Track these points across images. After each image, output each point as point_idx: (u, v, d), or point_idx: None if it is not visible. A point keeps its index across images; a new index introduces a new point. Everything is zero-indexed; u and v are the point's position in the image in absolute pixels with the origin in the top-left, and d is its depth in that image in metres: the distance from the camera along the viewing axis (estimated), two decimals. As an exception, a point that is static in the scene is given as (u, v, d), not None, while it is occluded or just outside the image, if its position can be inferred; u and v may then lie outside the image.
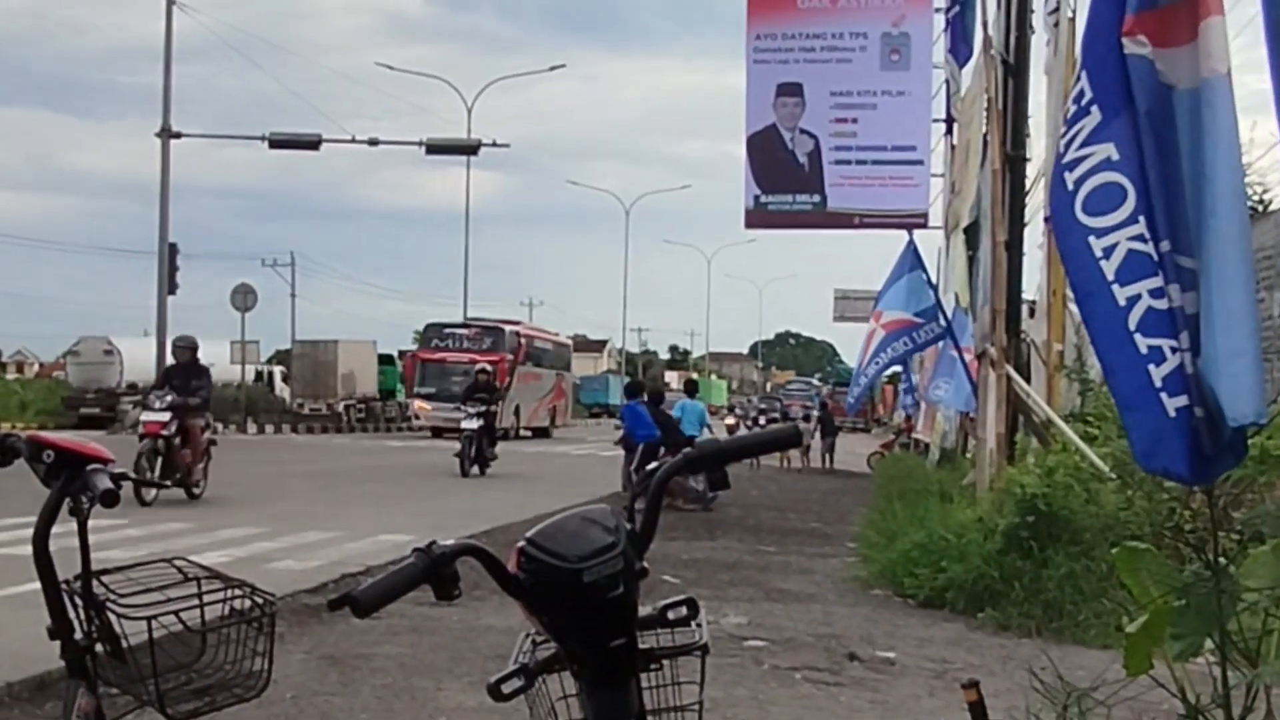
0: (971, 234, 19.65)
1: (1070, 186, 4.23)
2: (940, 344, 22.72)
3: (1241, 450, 4.17)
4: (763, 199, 29.60)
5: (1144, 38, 4.08)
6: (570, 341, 71.58)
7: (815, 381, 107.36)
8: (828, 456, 40.96)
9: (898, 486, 21.52)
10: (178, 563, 4.01)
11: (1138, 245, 4.09)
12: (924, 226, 28.36)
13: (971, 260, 19.86)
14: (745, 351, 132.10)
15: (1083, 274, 4.25)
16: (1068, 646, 10.20)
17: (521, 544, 2.53)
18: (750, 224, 30.67)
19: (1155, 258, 4.06)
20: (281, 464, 29.62)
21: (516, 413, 52.37)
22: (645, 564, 2.61)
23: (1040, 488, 12.08)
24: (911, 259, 21.61)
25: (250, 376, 54.28)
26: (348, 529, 16.59)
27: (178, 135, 44.09)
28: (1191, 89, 4.05)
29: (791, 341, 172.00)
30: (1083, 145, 4.23)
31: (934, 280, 22.77)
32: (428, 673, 8.87)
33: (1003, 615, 11.52)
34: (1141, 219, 4.08)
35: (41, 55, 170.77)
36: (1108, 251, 4.15)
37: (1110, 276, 4.13)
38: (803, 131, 29.34)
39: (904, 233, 24.69)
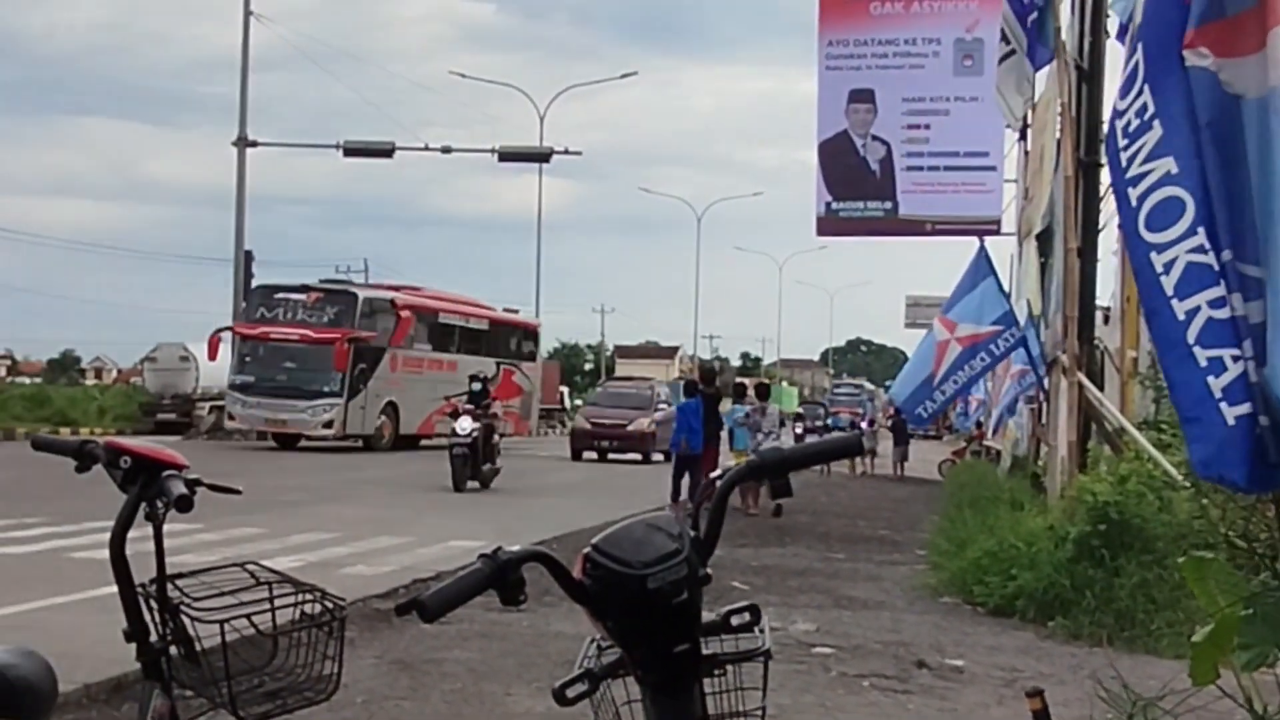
0: (1044, 241, 19.51)
1: (1134, 203, 4.24)
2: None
3: (1309, 460, 4.14)
4: (834, 205, 29.59)
5: (1205, 50, 4.07)
6: (536, 322, 53.12)
7: (868, 385, 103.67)
8: (900, 465, 40.50)
9: (969, 494, 21.40)
10: (250, 567, 4.08)
11: (1197, 257, 4.08)
12: (996, 233, 28.22)
13: (1044, 267, 19.72)
14: (816, 359, 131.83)
15: (1147, 290, 4.26)
16: (1140, 656, 10.13)
17: (587, 550, 2.55)
18: (821, 230, 30.67)
19: (1216, 267, 4.05)
20: (354, 470, 29.81)
21: (393, 414, 39.21)
22: (709, 570, 2.63)
23: (1112, 496, 11.99)
24: (984, 267, 21.48)
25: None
26: (419, 535, 16.70)
27: (254, 144, 44.59)
28: (1260, 98, 4.03)
29: (863, 349, 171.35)
30: (1146, 160, 4.23)
31: (1006, 288, 22.61)
32: (497, 678, 8.93)
33: (1073, 624, 11.45)
34: (1201, 230, 4.07)
35: (123, 66, 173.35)
36: (1167, 267, 4.15)
37: (1170, 291, 4.13)
38: (874, 138, 29.32)
39: (975, 239, 24.58)
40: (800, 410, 57.91)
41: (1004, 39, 17.70)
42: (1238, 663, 4.01)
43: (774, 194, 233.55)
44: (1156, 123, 4.24)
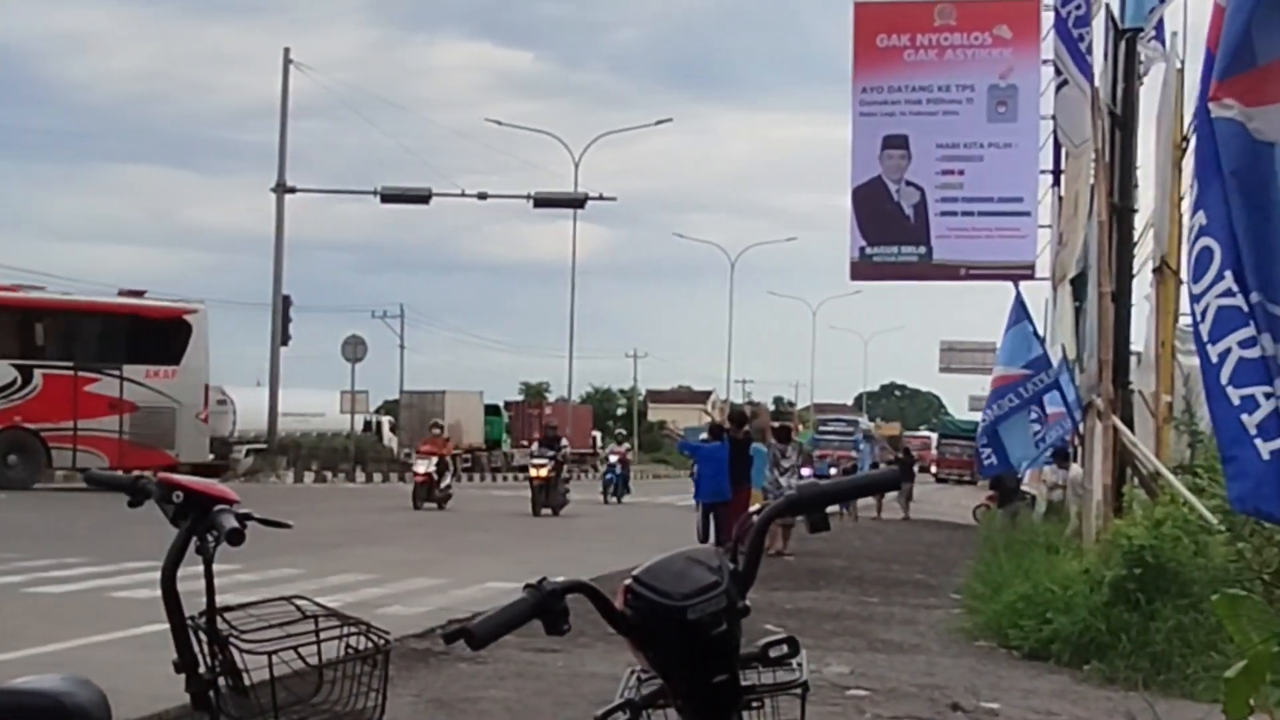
0: (1078, 285, 19.53)
1: (1188, 255, 4.36)
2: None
3: (1341, 496, 4.20)
4: (868, 250, 29.62)
5: (1231, 101, 4.16)
6: (180, 308, 37.09)
7: (863, 422, 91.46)
8: (905, 504, 39.64)
9: (1003, 538, 21.35)
10: (297, 601, 4.17)
11: (1226, 300, 4.17)
12: (1031, 278, 28.15)
13: (1078, 311, 19.73)
14: (850, 403, 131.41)
15: (1196, 338, 4.36)
16: (1175, 700, 10.11)
17: (629, 582, 2.62)
18: (856, 276, 30.68)
19: (1245, 309, 4.14)
20: (390, 512, 29.92)
21: None
22: (747, 603, 2.69)
23: (1148, 539, 11.98)
24: (1019, 311, 21.48)
25: (359, 426, 54.88)
26: (454, 576, 16.78)
27: (292, 190, 44.97)
28: None
29: (896, 393, 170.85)
30: (1191, 215, 4.35)
31: (1040, 332, 22.58)
32: (533, 717, 8.98)
33: (1109, 668, 11.43)
34: (1228, 273, 4.16)
35: (164, 114, 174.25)
36: (1202, 314, 4.25)
37: (1205, 337, 4.23)
38: (908, 183, 29.36)
39: (1010, 284, 24.57)
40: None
41: (1057, 71, 17.74)
42: (1271, 700, 4.05)
43: (807, 239, 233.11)
44: (1195, 179, 4.35)
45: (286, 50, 44.68)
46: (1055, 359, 21.00)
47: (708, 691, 2.62)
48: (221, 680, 4.00)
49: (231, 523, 3.89)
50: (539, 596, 2.60)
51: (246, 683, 3.99)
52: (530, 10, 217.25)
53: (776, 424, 26.40)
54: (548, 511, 31.05)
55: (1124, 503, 15.57)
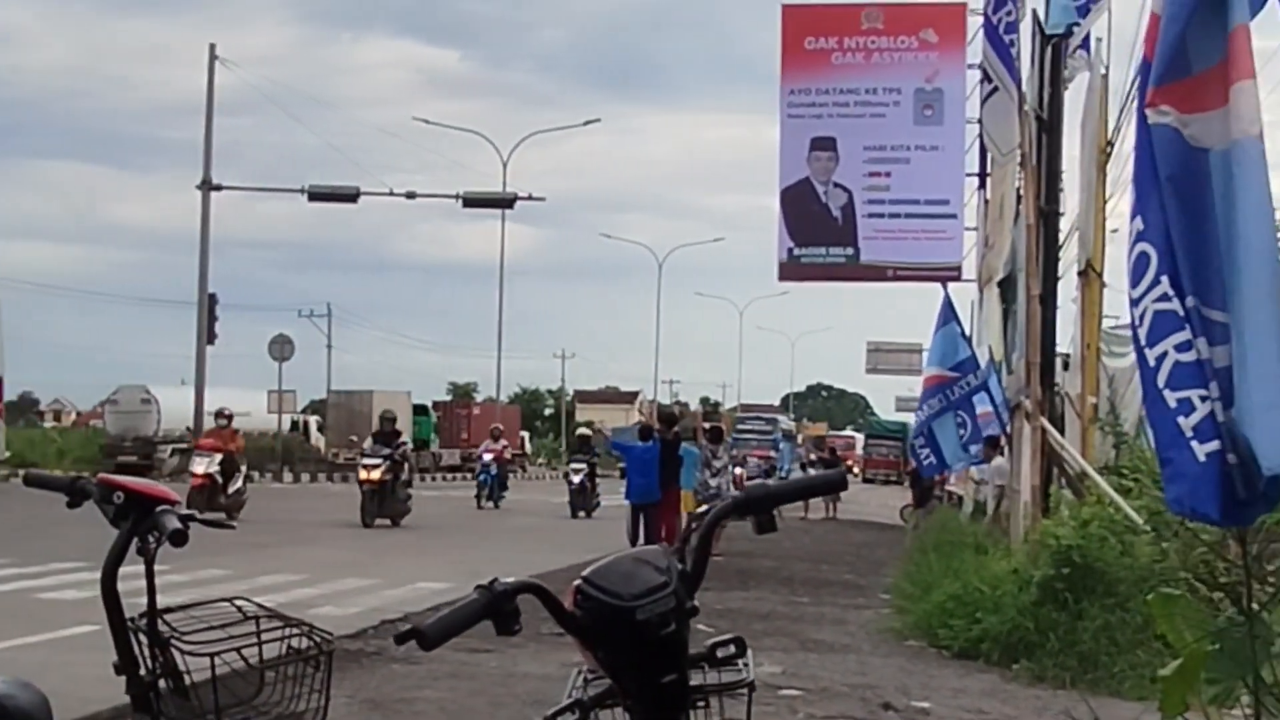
0: (1006, 288, 19.73)
1: (1127, 260, 4.42)
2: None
3: (1276, 497, 4.28)
4: (796, 252, 29.71)
5: (1168, 107, 4.24)
6: None
7: (784, 420, 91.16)
8: (831, 505, 39.63)
9: (932, 539, 21.51)
10: (238, 602, 4.15)
11: (1162, 305, 4.24)
12: (957, 279, 28.39)
13: (1006, 313, 19.93)
14: (777, 403, 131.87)
15: (1134, 342, 4.42)
16: (1103, 698, 10.22)
17: (578, 583, 2.63)
18: (784, 277, 30.78)
19: (1181, 313, 4.21)
20: (318, 512, 29.75)
21: None
22: (696, 603, 2.72)
23: (1075, 539, 12.11)
24: (946, 312, 21.68)
25: (286, 426, 54.53)
26: (385, 577, 16.73)
27: (218, 188, 44.55)
28: (1224, 150, 4.20)
29: (823, 394, 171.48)
30: (1129, 220, 4.42)
31: (968, 333, 22.78)
32: (468, 717, 8.97)
33: (1038, 667, 11.54)
34: (1164, 279, 4.24)
35: (86, 109, 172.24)
36: (1140, 318, 4.32)
37: (1142, 341, 4.30)
38: (836, 185, 29.46)
39: (938, 285, 24.79)
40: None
41: (986, 78, 17.86)
42: (1205, 698, 4.12)
43: (735, 240, 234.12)
44: (1133, 184, 4.42)
45: (212, 46, 44.22)
46: (983, 360, 21.21)
47: (656, 691, 2.63)
48: (162, 682, 3.98)
49: (174, 524, 3.87)
50: (490, 597, 2.61)
51: (188, 684, 3.97)
52: (457, 9, 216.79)
53: (708, 425, 26.46)
54: (384, 522, 25.94)
55: (1051, 503, 15.72)
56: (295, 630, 4.14)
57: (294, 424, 59.06)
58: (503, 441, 39.64)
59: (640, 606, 2.58)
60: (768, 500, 2.89)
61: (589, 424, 58.36)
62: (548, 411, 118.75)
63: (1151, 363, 4.26)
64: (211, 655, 3.89)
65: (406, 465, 28.47)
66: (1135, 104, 4.65)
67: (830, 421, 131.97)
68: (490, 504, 35.96)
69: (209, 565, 16.16)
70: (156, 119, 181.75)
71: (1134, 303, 4.37)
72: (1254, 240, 4.11)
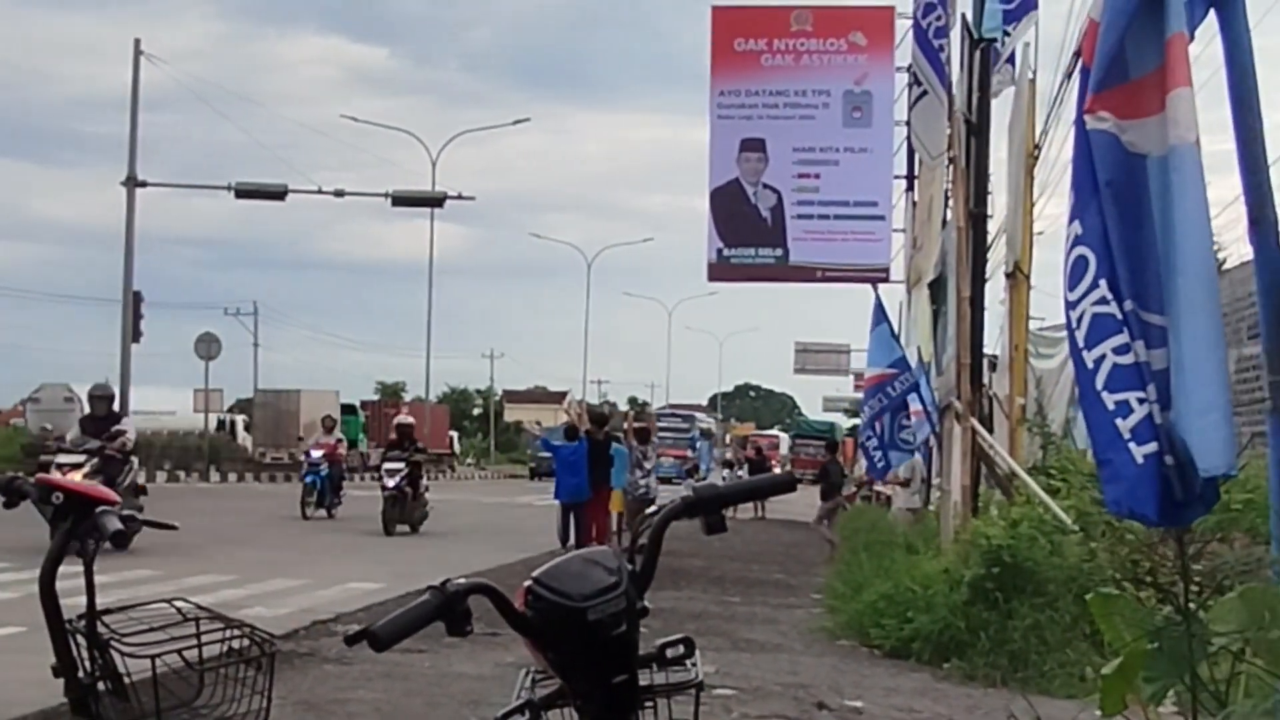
0: (936, 289, 19.88)
1: (1064, 264, 4.47)
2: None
3: (1212, 499, 4.35)
4: (725, 252, 29.78)
5: (1106, 113, 4.29)
6: None
7: (701, 419, 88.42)
8: (760, 505, 39.42)
9: (862, 538, 21.64)
10: (177, 603, 4.12)
11: (1100, 308, 4.29)
12: (886, 281, 28.59)
13: (936, 315, 20.08)
14: (705, 403, 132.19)
15: (1071, 345, 4.47)
16: (1033, 696, 10.28)
17: (528, 583, 2.64)
18: (713, 277, 30.84)
19: (1119, 316, 4.26)
20: (245, 512, 29.54)
21: None
22: (646, 604, 2.73)
23: (1005, 539, 12.20)
24: (877, 313, 21.83)
25: (213, 425, 54.11)
26: (314, 577, 16.62)
27: (143, 184, 44.00)
28: (1161, 156, 4.25)
29: (751, 394, 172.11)
30: (1068, 224, 4.46)
31: (897, 334, 22.96)
32: (402, 717, 8.94)
33: (969, 665, 11.62)
34: (1103, 282, 4.29)
35: (7, 103, 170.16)
36: (1078, 321, 4.37)
37: (1080, 344, 4.35)
38: (765, 186, 29.55)
39: (867, 287, 24.95)
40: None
41: (916, 81, 17.98)
42: (1142, 696, 4.17)
43: (664, 240, 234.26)
44: (1071, 189, 4.47)
45: (137, 41, 43.64)
46: (912, 361, 21.37)
47: (607, 692, 2.64)
48: (102, 684, 3.94)
49: (115, 525, 3.84)
50: (443, 598, 2.61)
51: (128, 686, 3.94)
52: (385, 6, 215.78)
53: (636, 425, 26.56)
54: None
55: (980, 503, 15.85)
56: (236, 631, 4.11)
57: (220, 423, 58.66)
58: (337, 434, 32.35)
59: (592, 607, 2.59)
60: (717, 501, 2.91)
61: (518, 424, 57.84)
62: (476, 411, 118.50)
63: (1090, 365, 4.31)
64: (152, 657, 3.86)
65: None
66: (1062, 108, 4.71)
67: (758, 421, 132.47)
68: (321, 511, 29.34)
69: (135, 566, 16.03)
70: (81, 114, 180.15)
71: (1071, 305, 4.42)
72: (1191, 245, 4.17)
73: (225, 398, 59.34)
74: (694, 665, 3.07)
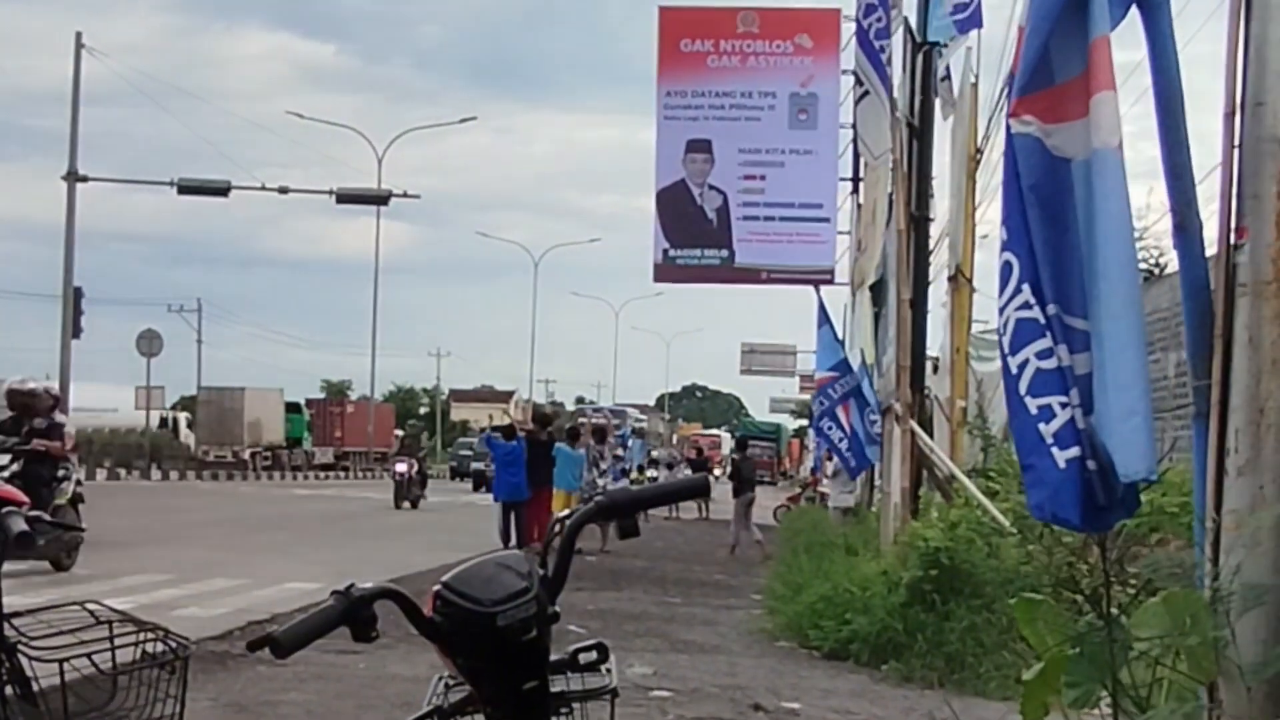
0: (877, 291, 19.93)
1: (999, 267, 4.47)
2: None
3: (1134, 504, 4.35)
4: (671, 253, 29.74)
5: (1030, 117, 4.28)
6: None
7: (634, 415, 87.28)
8: (703, 505, 39.55)
9: (804, 539, 21.67)
10: (90, 606, 4.05)
11: (1024, 312, 4.29)
12: (830, 283, 28.68)
13: (877, 317, 20.14)
14: (652, 404, 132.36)
15: (1000, 349, 4.47)
16: (969, 698, 10.34)
17: (437, 588, 2.59)
18: (659, 278, 30.81)
19: (1042, 320, 4.25)
20: (186, 511, 29.32)
21: None
22: (557, 608, 2.68)
23: (943, 541, 12.24)
24: (820, 315, 21.89)
25: (155, 422, 53.68)
26: (254, 577, 16.51)
27: (84, 179, 43.66)
28: (1085, 160, 4.24)
29: (698, 394, 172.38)
30: (1000, 229, 4.46)
31: (840, 336, 23.04)
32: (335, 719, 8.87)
33: (906, 667, 11.63)
34: (1026, 287, 4.28)
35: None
36: (1003, 326, 4.37)
37: (1005, 348, 4.34)
38: (711, 187, 29.54)
39: (812, 289, 25.00)
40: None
41: (858, 81, 17.99)
42: (1065, 701, 4.16)
43: (611, 241, 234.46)
44: (1000, 196, 4.48)
45: (79, 34, 43.31)
46: (855, 363, 21.42)
47: (517, 698, 2.60)
48: (9, 689, 3.87)
49: (20, 525, 3.76)
50: (347, 603, 2.56)
51: (36, 691, 3.87)
52: (334, 3, 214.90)
53: (592, 425, 26.73)
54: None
55: (921, 505, 15.89)
56: (150, 635, 4.03)
57: (163, 421, 58.24)
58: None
59: (501, 612, 2.54)
60: (631, 505, 2.87)
61: (464, 423, 58.03)
62: (423, 410, 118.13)
63: (1014, 370, 4.30)
64: (60, 661, 3.78)
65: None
66: (1003, 114, 4.70)
67: (704, 422, 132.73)
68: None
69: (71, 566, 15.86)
70: (21, 107, 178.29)
71: (999, 310, 4.41)
72: (1114, 250, 4.16)
73: (168, 395, 59.00)
74: (609, 671, 3.01)
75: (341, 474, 66.92)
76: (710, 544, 28.64)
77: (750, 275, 30.00)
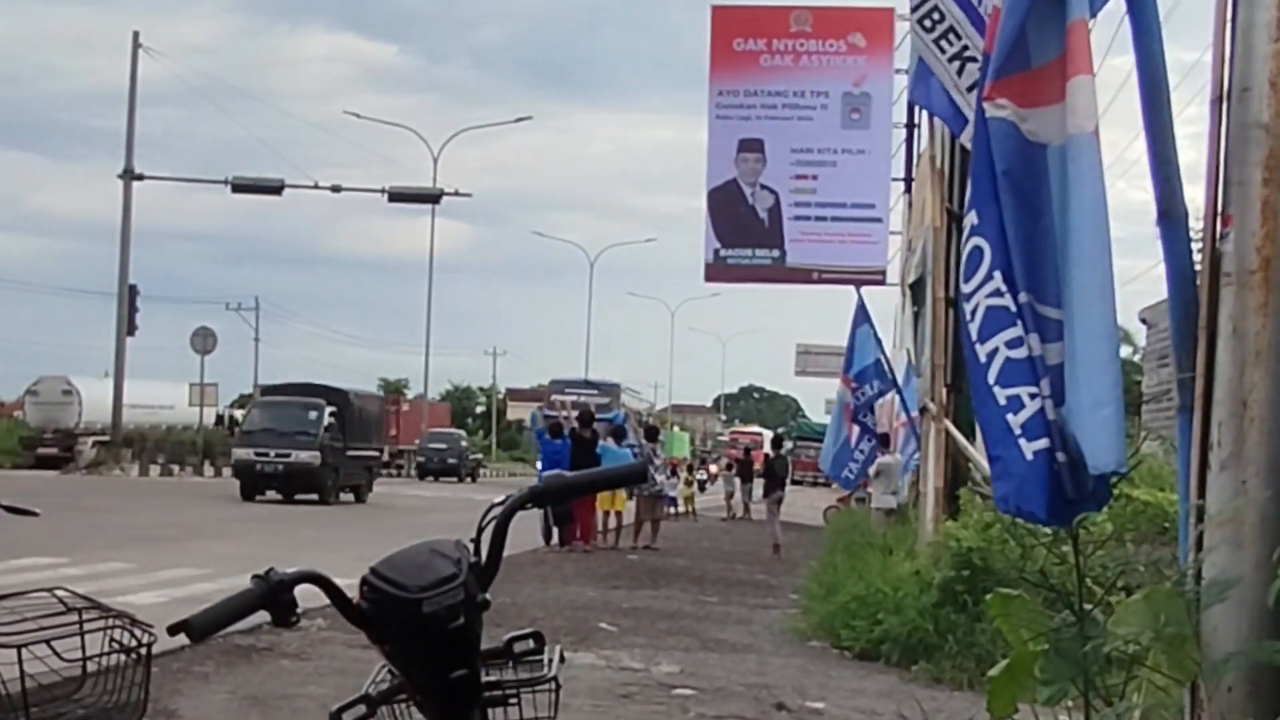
0: (917, 290, 19.79)
1: (963, 255, 4.38)
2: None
3: (1104, 497, 4.26)
4: (722, 253, 29.70)
5: (1005, 101, 4.19)
6: None
7: (628, 392, 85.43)
8: (746, 505, 39.72)
9: (845, 539, 21.56)
10: (59, 593, 4.02)
11: (994, 300, 4.20)
12: (882, 283, 28.57)
13: (917, 316, 19.99)
14: (709, 404, 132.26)
15: (965, 338, 4.37)
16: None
17: (365, 573, 2.56)
18: (709, 277, 30.77)
19: (1013, 309, 4.16)
20: (234, 506, 29.48)
21: None
22: (488, 596, 2.63)
23: (976, 542, 12.13)
24: (859, 316, 21.75)
25: (210, 419, 54.07)
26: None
27: (140, 177, 44.15)
28: (1061, 145, 4.15)
29: (755, 395, 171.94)
30: (964, 214, 4.37)
31: (890, 337, 22.94)
32: (348, 715, 8.85)
33: (936, 668, 11.55)
34: (998, 274, 4.19)
35: (13, 96, 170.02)
36: (972, 313, 4.28)
37: (974, 337, 4.25)
38: (763, 187, 29.47)
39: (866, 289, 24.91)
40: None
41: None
42: (1038, 698, 4.09)
43: (667, 241, 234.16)
44: (970, 179, 4.39)
45: (135, 34, 43.83)
46: (901, 364, 21.30)
47: (446, 687, 2.56)
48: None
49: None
50: (266, 587, 2.54)
51: None
52: (397, 4, 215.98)
53: (644, 425, 26.97)
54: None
55: (960, 505, 15.74)
56: (116, 623, 4.01)
57: (219, 418, 58.63)
58: None
59: (427, 599, 2.51)
60: (565, 491, 2.82)
61: (519, 422, 58.23)
62: (479, 409, 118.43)
63: (982, 359, 4.21)
64: (19, 647, 3.75)
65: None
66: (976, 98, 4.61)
67: (761, 423, 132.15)
68: None
69: (111, 559, 15.99)
70: (85, 107, 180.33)
71: (966, 297, 4.32)
72: (1087, 237, 4.07)
73: (226, 393, 59.31)
74: (551, 661, 2.96)
75: (395, 472, 67.15)
76: (755, 544, 28.54)
77: (801, 275, 29.90)
